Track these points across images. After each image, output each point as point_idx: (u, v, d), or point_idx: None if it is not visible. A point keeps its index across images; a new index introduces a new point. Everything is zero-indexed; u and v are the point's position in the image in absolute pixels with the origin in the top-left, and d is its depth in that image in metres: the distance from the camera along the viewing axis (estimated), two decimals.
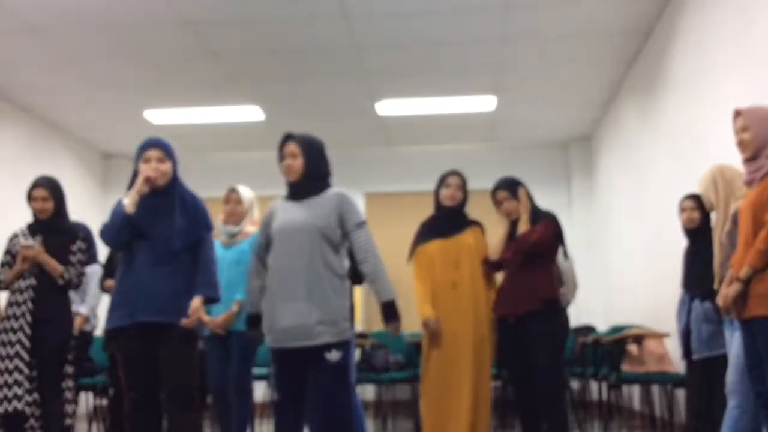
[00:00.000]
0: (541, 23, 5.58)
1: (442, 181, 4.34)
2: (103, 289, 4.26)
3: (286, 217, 3.36)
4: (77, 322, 5.30)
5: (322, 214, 3.29)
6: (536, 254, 4.01)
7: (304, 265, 3.24)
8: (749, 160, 3.09)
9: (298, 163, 3.37)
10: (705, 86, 4.76)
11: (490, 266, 4.21)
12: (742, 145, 3.11)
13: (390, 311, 3.30)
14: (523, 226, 4.09)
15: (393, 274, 5.28)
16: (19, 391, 4.11)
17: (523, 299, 3.99)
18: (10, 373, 4.12)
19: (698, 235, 4.15)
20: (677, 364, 5.22)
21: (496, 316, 4.16)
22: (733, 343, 3.39)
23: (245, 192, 4.45)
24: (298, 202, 3.37)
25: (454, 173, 4.35)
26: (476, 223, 4.35)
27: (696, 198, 4.14)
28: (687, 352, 4.19)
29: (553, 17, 5.48)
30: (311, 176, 3.37)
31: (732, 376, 3.42)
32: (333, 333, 3.20)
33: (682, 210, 4.27)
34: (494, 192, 4.25)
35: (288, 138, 3.43)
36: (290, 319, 3.21)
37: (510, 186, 4.21)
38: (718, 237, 3.54)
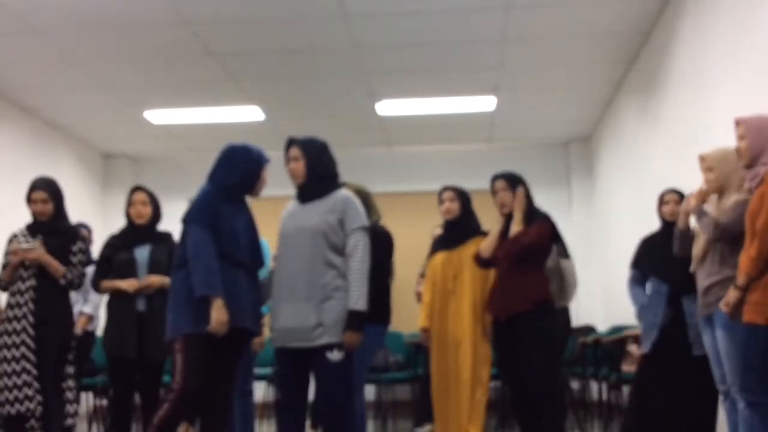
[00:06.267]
0: (541, 23, 5.58)
1: (438, 199, 4.49)
2: (98, 289, 4.23)
3: (291, 220, 3.44)
4: (81, 322, 5.29)
5: (324, 217, 3.34)
6: (527, 256, 4.02)
7: (306, 266, 3.28)
8: (747, 168, 3.14)
9: (300, 166, 3.45)
10: (705, 86, 4.76)
11: (480, 263, 4.24)
12: (739, 153, 3.17)
13: (354, 320, 3.25)
14: (516, 227, 4.10)
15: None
16: (30, 392, 4.12)
17: (513, 300, 4.01)
18: (18, 374, 4.13)
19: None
20: None
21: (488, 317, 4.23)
22: (708, 340, 3.50)
23: None
24: (304, 204, 3.44)
25: (445, 188, 4.51)
26: (484, 234, 4.36)
27: (679, 192, 4.19)
28: (658, 346, 4.19)
29: (553, 17, 5.47)
30: (315, 177, 3.44)
31: (718, 371, 3.48)
32: (333, 334, 3.22)
33: (665, 202, 4.32)
34: (493, 181, 4.27)
35: (290, 142, 3.52)
36: (290, 320, 3.27)
37: (509, 179, 4.23)
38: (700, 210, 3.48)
